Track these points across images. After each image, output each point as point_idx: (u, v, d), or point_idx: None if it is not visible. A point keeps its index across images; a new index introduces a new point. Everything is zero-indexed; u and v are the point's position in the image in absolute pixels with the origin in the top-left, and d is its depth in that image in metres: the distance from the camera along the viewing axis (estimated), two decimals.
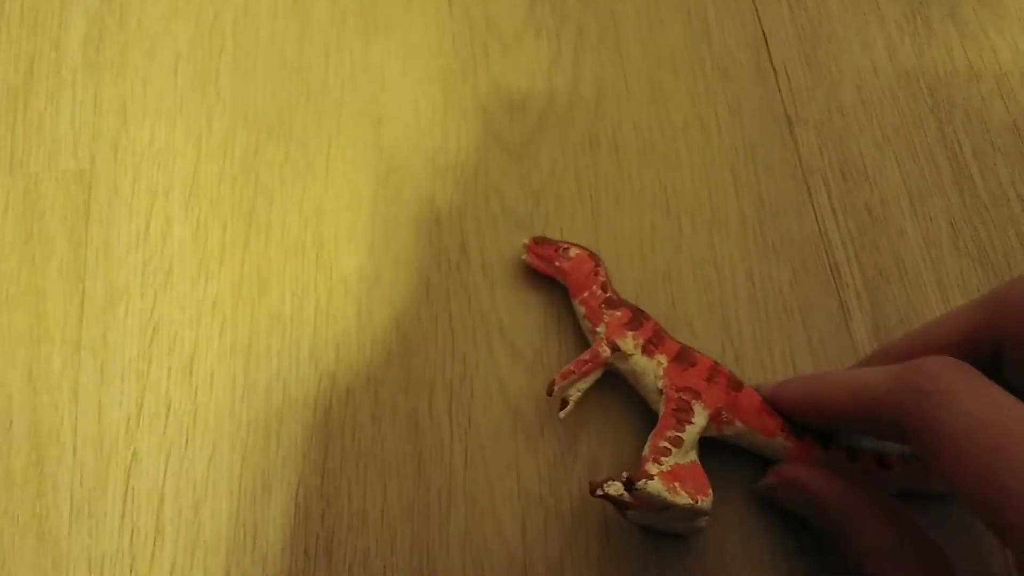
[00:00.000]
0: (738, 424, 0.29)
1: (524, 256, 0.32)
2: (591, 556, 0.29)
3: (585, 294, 0.31)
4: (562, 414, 0.30)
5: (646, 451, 0.27)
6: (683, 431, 0.28)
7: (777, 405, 0.29)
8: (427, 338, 0.32)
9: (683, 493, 0.26)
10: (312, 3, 0.38)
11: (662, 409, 0.29)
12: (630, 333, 0.30)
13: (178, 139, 0.35)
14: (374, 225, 0.34)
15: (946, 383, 0.21)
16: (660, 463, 0.27)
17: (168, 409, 0.31)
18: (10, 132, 0.35)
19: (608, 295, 0.31)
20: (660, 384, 0.29)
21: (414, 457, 0.30)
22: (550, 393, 0.29)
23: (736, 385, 0.29)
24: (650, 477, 0.26)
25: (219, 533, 0.29)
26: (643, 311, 0.31)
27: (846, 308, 0.33)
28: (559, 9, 0.38)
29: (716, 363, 0.30)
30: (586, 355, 0.30)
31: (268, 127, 0.35)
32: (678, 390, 0.29)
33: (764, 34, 0.38)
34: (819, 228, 0.34)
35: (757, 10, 0.38)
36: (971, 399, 0.21)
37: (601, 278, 0.31)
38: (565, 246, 0.32)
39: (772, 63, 0.37)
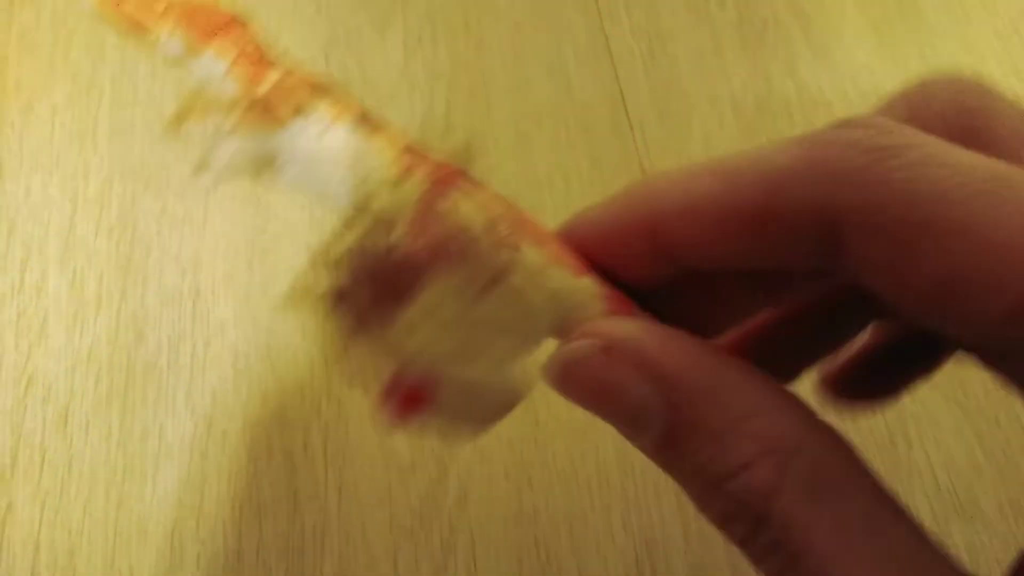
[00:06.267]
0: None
1: None
2: None
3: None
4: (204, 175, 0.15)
5: None
6: None
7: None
8: (303, 381, 0.33)
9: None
10: None
11: None
12: None
13: (54, 192, 0.35)
14: (251, 273, 0.35)
15: (909, 135, 0.14)
16: None
17: (43, 459, 0.31)
18: None
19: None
20: None
21: (289, 496, 0.31)
22: None
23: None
24: None
25: None
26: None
27: None
28: (431, 67, 0.40)
29: None
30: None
31: (145, 179, 0.36)
32: None
33: (621, 92, 0.41)
34: None
35: (615, 68, 0.41)
36: (948, 151, 0.13)
37: None
38: None
39: (628, 118, 0.40)
